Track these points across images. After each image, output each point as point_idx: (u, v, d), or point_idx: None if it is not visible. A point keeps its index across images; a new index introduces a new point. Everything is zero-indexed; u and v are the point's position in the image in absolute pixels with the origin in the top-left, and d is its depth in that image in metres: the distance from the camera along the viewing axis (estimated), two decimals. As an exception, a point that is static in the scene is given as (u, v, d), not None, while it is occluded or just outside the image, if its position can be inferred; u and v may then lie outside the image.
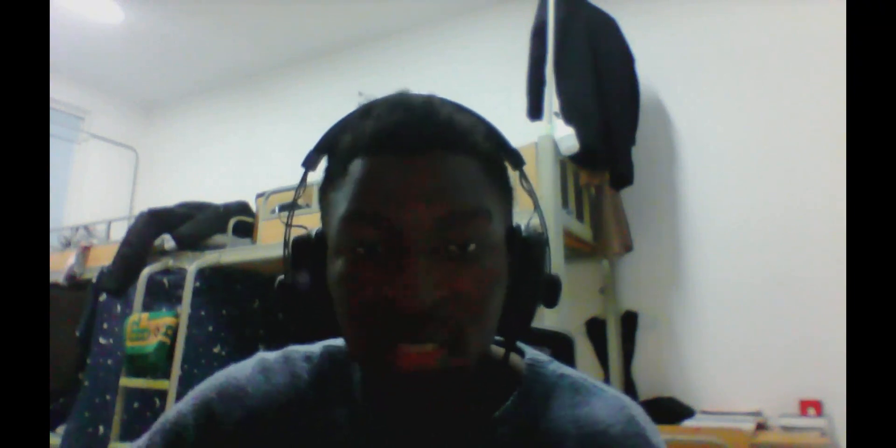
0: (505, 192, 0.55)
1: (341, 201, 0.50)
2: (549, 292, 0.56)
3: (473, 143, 0.51)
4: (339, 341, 0.64)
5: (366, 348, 0.49)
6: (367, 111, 0.53)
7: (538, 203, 0.58)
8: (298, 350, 0.64)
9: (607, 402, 0.56)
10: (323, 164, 0.57)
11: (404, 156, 0.49)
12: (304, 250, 0.55)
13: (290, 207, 0.58)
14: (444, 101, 0.54)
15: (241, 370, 0.62)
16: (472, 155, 0.51)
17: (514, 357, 0.60)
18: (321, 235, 0.55)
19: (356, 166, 0.50)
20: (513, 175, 0.57)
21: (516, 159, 0.57)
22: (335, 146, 0.54)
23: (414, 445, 0.55)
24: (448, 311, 0.47)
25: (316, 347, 0.64)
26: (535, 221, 0.57)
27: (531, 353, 0.61)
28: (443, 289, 0.47)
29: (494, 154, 0.54)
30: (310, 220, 0.57)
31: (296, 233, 0.57)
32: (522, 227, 0.55)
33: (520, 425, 0.55)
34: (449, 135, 0.50)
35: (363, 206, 0.49)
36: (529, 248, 0.54)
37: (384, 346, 0.48)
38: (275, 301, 0.56)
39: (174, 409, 0.61)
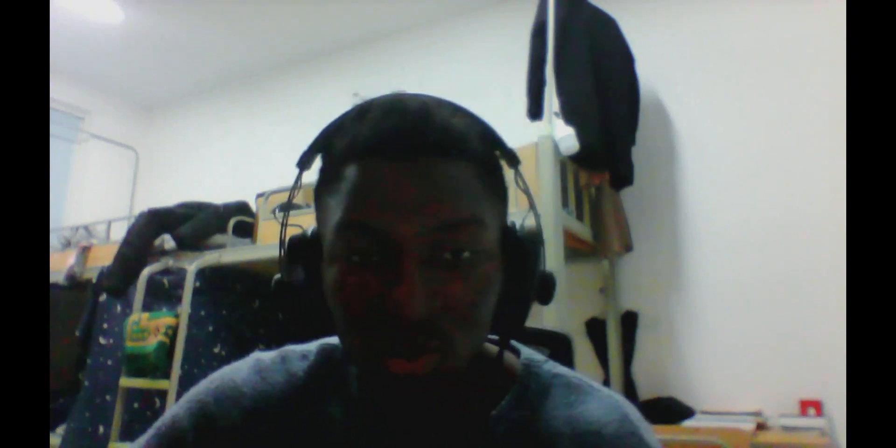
0: (500, 195, 0.55)
1: (335, 207, 0.50)
2: (544, 290, 0.56)
3: (469, 148, 0.51)
4: (334, 339, 0.64)
5: (362, 355, 0.50)
6: (362, 113, 0.52)
7: (533, 202, 0.58)
8: (294, 349, 0.64)
9: (601, 402, 0.56)
10: (317, 163, 0.56)
11: (398, 163, 0.48)
12: (299, 250, 0.55)
13: (286, 208, 0.59)
14: (440, 104, 0.53)
15: (236, 371, 0.62)
16: (468, 160, 0.50)
17: (510, 357, 0.60)
18: (317, 235, 0.55)
19: (350, 172, 0.50)
20: (508, 173, 0.56)
21: (512, 159, 0.56)
22: (330, 147, 0.54)
23: (410, 443, 0.55)
24: (441, 319, 0.48)
25: (312, 346, 0.64)
26: (531, 220, 0.57)
27: (527, 352, 0.61)
28: (437, 298, 0.48)
29: (490, 156, 0.54)
30: (309, 220, 0.57)
31: (292, 232, 0.57)
32: (517, 226, 0.55)
33: (515, 424, 0.55)
34: (444, 141, 0.49)
35: (356, 216, 0.48)
36: (524, 248, 0.54)
37: (379, 354, 0.48)
38: (274, 299, 0.56)
39: (169, 414, 0.61)
